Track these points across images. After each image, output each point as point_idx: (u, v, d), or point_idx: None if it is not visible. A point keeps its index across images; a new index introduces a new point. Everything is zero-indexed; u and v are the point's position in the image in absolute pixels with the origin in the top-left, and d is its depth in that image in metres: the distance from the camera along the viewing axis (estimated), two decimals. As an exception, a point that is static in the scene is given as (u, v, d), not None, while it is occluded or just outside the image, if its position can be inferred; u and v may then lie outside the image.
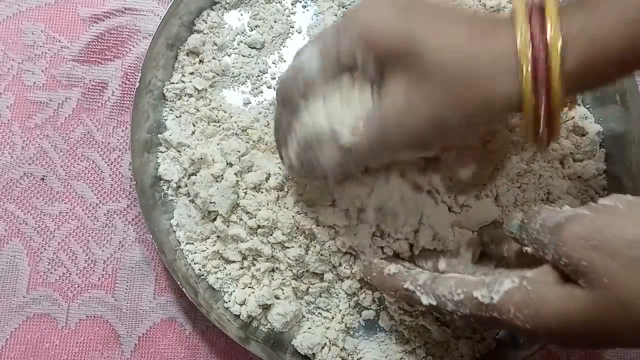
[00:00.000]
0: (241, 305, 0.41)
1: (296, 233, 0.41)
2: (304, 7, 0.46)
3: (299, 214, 0.40)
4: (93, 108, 0.45)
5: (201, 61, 0.44)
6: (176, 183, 0.43)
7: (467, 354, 0.41)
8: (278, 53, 0.45)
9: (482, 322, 0.30)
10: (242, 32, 0.45)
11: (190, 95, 0.44)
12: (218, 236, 0.41)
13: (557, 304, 0.26)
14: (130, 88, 0.45)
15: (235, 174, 0.41)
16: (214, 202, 0.40)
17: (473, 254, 0.38)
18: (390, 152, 0.33)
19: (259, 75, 0.44)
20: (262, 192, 0.41)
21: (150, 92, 0.43)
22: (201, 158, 0.41)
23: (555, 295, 0.26)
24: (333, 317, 0.42)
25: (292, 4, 0.45)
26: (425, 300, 0.32)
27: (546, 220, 0.28)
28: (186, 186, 0.42)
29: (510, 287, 0.27)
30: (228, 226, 0.41)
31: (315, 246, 0.41)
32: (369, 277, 0.39)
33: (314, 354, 0.41)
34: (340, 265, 0.41)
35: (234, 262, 0.42)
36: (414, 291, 0.33)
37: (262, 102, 0.44)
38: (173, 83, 0.44)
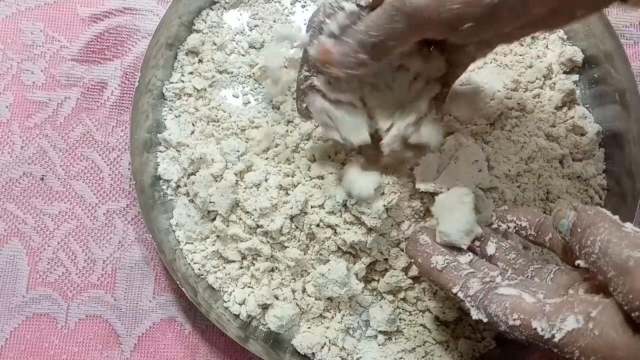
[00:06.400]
0: (241, 304, 0.41)
1: (295, 232, 0.41)
2: (303, 6, 0.46)
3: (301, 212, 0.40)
4: (92, 108, 0.45)
5: (200, 61, 0.44)
6: (175, 183, 0.43)
7: (467, 354, 0.41)
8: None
9: (538, 348, 0.29)
10: (242, 32, 0.45)
11: (190, 95, 0.44)
12: (217, 236, 0.41)
13: (624, 354, 0.25)
14: (130, 88, 0.45)
15: (235, 173, 0.41)
16: (213, 202, 0.40)
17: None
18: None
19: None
20: (261, 192, 0.41)
21: (149, 92, 0.43)
22: (200, 158, 0.41)
23: (623, 345, 0.25)
24: (333, 317, 0.42)
25: (291, 4, 0.45)
26: (475, 314, 0.31)
27: (608, 248, 0.26)
28: (185, 186, 0.42)
29: (574, 327, 0.26)
30: (227, 226, 0.41)
31: (314, 246, 0.41)
32: (413, 260, 0.36)
33: (313, 354, 0.41)
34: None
35: (233, 261, 0.42)
36: (463, 300, 0.32)
37: (262, 101, 0.44)
38: (172, 83, 0.44)
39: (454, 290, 0.32)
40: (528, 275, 0.33)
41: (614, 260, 0.25)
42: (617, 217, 0.28)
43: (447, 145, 0.39)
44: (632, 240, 0.26)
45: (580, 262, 0.28)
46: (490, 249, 0.35)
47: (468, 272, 0.33)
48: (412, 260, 0.36)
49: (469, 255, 0.35)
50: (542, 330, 0.27)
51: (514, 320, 0.28)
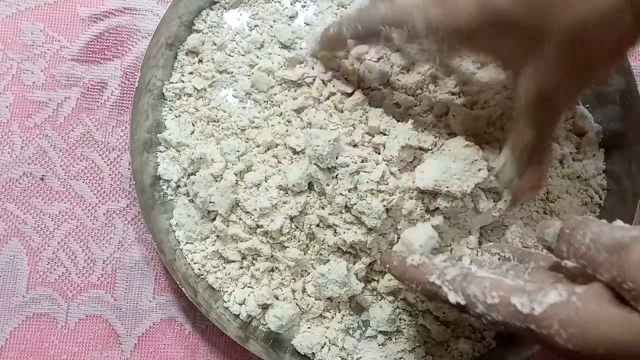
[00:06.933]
0: (240, 304, 0.42)
1: (295, 232, 0.41)
2: (303, 6, 0.46)
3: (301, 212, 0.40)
4: (92, 108, 0.45)
5: (200, 61, 0.44)
6: (175, 183, 0.43)
7: (467, 354, 0.41)
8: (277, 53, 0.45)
9: (514, 331, 0.27)
10: (242, 32, 0.45)
11: (190, 95, 0.44)
12: (217, 236, 0.41)
13: (609, 327, 0.24)
14: (130, 88, 0.45)
15: (235, 173, 0.41)
16: (213, 202, 0.40)
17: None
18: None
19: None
20: (261, 192, 0.41)
21: (149, 92, 0.43)
22: (200, 158, 0.41)
23: (608, 318, 0.24)
24: (333, 317, 0.42)
25: (291, 4, 0.45)
26: (452, 297, 0.29)
27: (600, 236, 0.25)
28: (185, 186, 0.42)
29: (556, 301, 0.25)
30: (227, 226, 0.41)
31: (314, 246, 0.41)
32: (388, 266, 0.35)
33: (313, 354, 0.41)
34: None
35: (233, 261, 0.42)
36: (440, 286, 0.30)
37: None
38: (172, 83, 0.44)
39: (431, 279, 0.31)
40: (504, 270, 0.33)
41: (606, 244, 0.25)
42: (604, 220, 0.27)
43: (447, 145, 0.39)
44: (625, 227, 0.26)
45: (567, 262, 0.28)
46: (465, 259, 0.36)
47: (444, 264, 0.32)
48: (387, 265, 0.35)
49: (443, 255, 0.35)
50: (521, 306, 0.26)
51: (493, 297, 0.27)
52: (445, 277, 0.30)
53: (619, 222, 0.27)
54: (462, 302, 0.29)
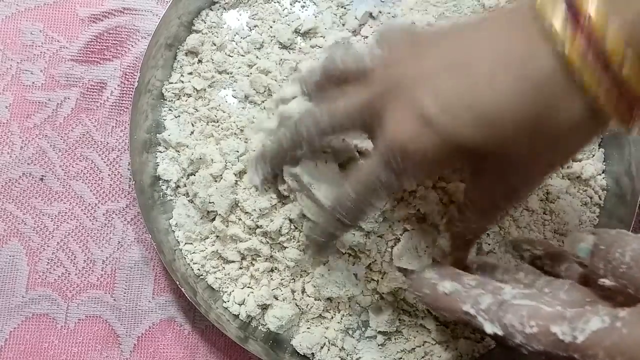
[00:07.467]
0: (240, 305, 0.41)
1: (295, 233, 0.41)
2: (302, 6, 0.45)
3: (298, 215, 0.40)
4: (92, 108, 0.45)
5: (200, 61, 0.44)
6: (175, 183, 0.43)
7: (467, 354, 0.41)
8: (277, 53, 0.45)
9: None
10: (241, 32, 0.45)
11: (189, 95, 0.44)
12: (217, 236, 0.41)
13: None
14: (129, 88, 0.45)
15: (234, 174, 0.41)
16: (212, 202, 0.40)
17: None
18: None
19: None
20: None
21: (149, 92, 0.43)
22: (200, 158, 0.41)
23: None
24: (332, 317, 0.42)
25: (291, 4, 0.45)
26: (489, 328, 0.28)
27: None
28: (185, 186, 0.42)
29: (599, 327, 0.24)
30: (227, 226, 0.41)
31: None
32: (419, 294, 0.34)
33: (313, 354, 0.41)
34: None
35: (232, 262, 0.42)
36: (475, 316, 0.29)
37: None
38: (172, 83, 0.44)
39: (465, 308, 0.30)
40: (540, 286, 0.31)
41: None
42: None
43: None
44: None
45: (605, 281, 0.27)
46: (498, 273, 0.34)
47: (477, 290, 0.30)
48: (417, 292, 0.34)
49: (475, 276, 0.33)
50: (562, 334, 0.25)
51: (532, 327, 0.26)
52: (480, 307, 0.29)
53: None
54: (500, 333, 0.28)
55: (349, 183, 0.32)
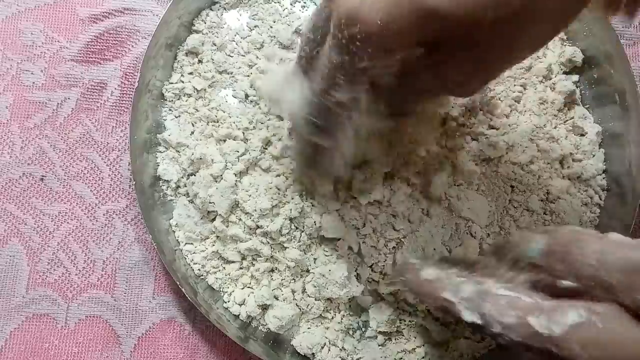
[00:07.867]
0: (240, 305, 0.42)
1: (295, 233, 0.41)
2: (302, 7, 0.46)
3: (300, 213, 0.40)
4: (92, 108, 0.45)
5: (200, 61, 0.44)
6: (175, 183, 0.43)
7: (467, 354, 0.41)
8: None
9: (535, 352, 0.26)
10: (241, 32, 0.45)
11: (190, 95, 0.44)
12: (217, 236, 0.41)
13: (635, 348, 0.23)
14: (130, 88, 0.45)
15: (235, 174, 0.41)
16: (213, 202, 0.40)
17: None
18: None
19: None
20: (261, 193, 0.41)
21: (149, 92, 0.43)
22: (200, 158, 0.41)
23: (632, 338, 0.23)
24: (332, 318, 0.42)
25: (291, 4, 0.45)
26: (468, 316, 0.28)
27: (608, 255, 0.24)
28: (185, 186, 0.42)
29: (576, 321, 0.24)
30: (227, 226, 0.41)
31: (314, 246, 0.41)
32: (402, 278, 0.34)
33: (313, 354, 0.41)
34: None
35: (233, 262, 0.42)
36: (455, 303, 0.29)
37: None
38: (172, 83, 0.44)
39: (446, 295, 0.30)
40: (522, 280, 0.30)
41: (619, 264, 0.24)
42: (597, 233, 0.26)
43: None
44: (633, 244, 0.24)
45: (566, 282, 0.26)
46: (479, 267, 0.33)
47: (459, 279, 0.31)
48: (401, 277, 0.34)
49: (459, 267, 0.33)
50: (540, 327, 0.25)
51: (510, 317, 0.26)
52: (461, 294, 0.29)
53: (615, 236, 0.25)
54: (479, 322, 0.28)
55: (310, 77, 0.30)
